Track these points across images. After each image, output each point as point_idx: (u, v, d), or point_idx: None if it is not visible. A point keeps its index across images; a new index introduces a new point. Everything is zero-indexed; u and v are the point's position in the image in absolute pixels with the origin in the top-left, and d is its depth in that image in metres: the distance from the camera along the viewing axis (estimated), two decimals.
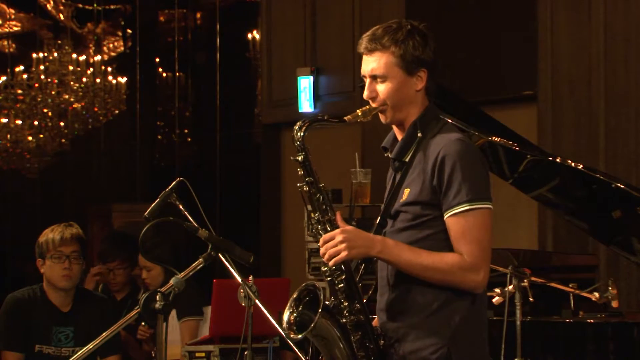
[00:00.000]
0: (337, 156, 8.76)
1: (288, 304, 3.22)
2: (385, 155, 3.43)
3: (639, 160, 7.33)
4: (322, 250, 3.20)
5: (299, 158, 3.26)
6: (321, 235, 3.22)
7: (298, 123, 3.28)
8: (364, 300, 3.30)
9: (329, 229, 3.23)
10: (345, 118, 3.31)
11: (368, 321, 3.25)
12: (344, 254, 3.17)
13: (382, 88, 3.29)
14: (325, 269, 3.22)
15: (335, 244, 3.17)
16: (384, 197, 3.44)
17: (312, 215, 3.26)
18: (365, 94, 3.33)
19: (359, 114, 3.30)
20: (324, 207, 3.24)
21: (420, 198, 3.23)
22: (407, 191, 3.27)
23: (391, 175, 3.43)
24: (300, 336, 3.15)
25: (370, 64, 3.30)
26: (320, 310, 3.12)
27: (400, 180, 3.31)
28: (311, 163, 3.26)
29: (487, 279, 3.22)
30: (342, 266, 3.22)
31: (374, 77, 3.31)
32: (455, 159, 3.19)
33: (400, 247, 3.20)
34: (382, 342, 3.25)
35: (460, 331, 3.21)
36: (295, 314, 3.21)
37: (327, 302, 3.18)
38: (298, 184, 3.27)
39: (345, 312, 3.22)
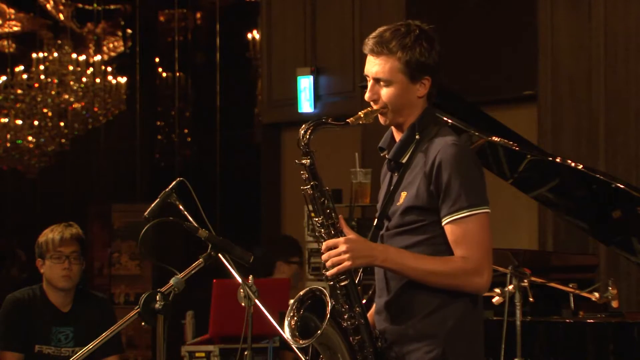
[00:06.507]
0: (337, 156, 8.75)
1: (290, 307, 3.20)
2: (382, 155, 3.42)
3: (639, 160, 7.33)
4: (324, 256, 3.19)
5: (305, 162, 3.24)
6: (324, 239, 3.22)
7: (303, 126, 3.26)
8: (364, 302, 3.30)
9: (332, 233, 3.22)
10: (347, 120, 3.30)
11: (367, 324, 3.25)
12: (347, 263, 3.16)
13: (384, 92, 3.29)
14: (328, 274, 3.22)
15: (338, 252, 3.17)
16: (378, 197, 3.44)
17: (316, 218, 3.25)
18: (367, 96, 3.32)
19: (361, 115, 3.30)
20: (328, 210, 3.24)
21: (417, 203, 3.23)
22: (404, 194, 3.27)
23: (385, 174, 3.43)
24: (305, 343, 3.14)
25: (375, 66, 3.28)
26: (327, 317, 3.11)
27: (397, 183, 3.31)
28: (316, 166, 3.25)
29: (491, 280, 3.22)
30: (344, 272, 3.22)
31: (377, 80, 3.30)
32: (453, 164, 3.18)
33: (403, 255, 3.20)
34: (379, 344, 3.25)
35: (456, 332, 3.21)
36: (296, 318, 3.20)
37: (334, 309, 3.16)
38: (302, 187, 3.25)
39: (345, 315, 3.22)
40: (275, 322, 3.66)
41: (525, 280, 4.71)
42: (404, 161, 3.30)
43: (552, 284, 5.01)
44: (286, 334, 3.18)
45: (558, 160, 5.09)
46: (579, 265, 6.10)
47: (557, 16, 7.77)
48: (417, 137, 3.29)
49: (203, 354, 5.92)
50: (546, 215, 7.70)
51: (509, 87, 8.28)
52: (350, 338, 3.21)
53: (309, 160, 3.24)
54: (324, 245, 3.20)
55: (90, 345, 3.48)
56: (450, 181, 3.18)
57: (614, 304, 4.99)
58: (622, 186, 4.84)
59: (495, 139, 4.95)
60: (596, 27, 7.53)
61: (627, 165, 7.34)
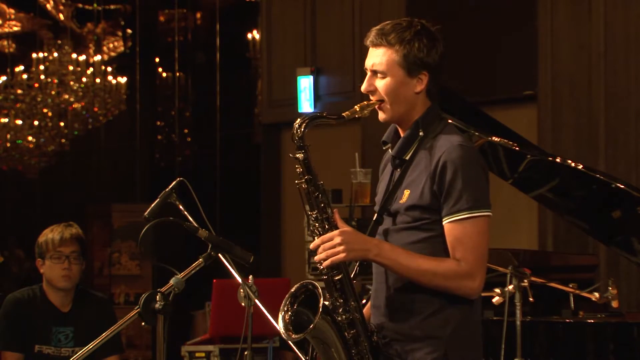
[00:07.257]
0: (337, 156, 8.76)
1: (283, 302, 3.20)
2: (385, 148, 3.42)
3: (639, 160, 7.33)
4: (319, 249, 3.19)
5: (299, 156, 3.25)
6: (318, 234, 3.22)
7: (297, 120, 3.28)
8: (363, 301, 3.30)
9: (327, 227, 3.22)
10: (343, 114, 3.31)
11: (362, 318, 3.25)
12: (341, 255, 3.16)
13: (380, 84, 3.29)
14: (322, 267, 3.22)
15: (333, 245, 3.16)
16: (377, 190, 3.43)
17: (310, 213, 3.25)
18: (363, 87, 3.33)
19: (357, 109, 3.30)
20: (322, 205, 3.24)
21: (420, 202, 3.22)
22: (407, 192, 3.26)
23: (385, 166, 3.43)
24: (298, 337, 3.14)
25: (373, 58, 3.30)
26: (319, 311, 3.11)
27: (400, 179, 3.30)
28: (310, 161, 3.26)
29: (483, 286, 3.22)
30: (339, 265, 3.22)
31: (374, 72, 3.30)
32: (457, 165, 3.18)
33: (396, 251, 3.20)
34: (375, 338, 3.25)
35: (458, 334, 3.21)
36: (290, 313, 3.20)
37: (326, 303, 3.16)
38: (296, 181, 3.26)
39: (340, 310, 3.22)
40: (275, 322, 3.66)
41: (525, 280, 4.70)
42: (407, 158, 3.30)
43: (552, 284, 5.01)
44: (280, 328, 3.18)
45: (558, 160, 5.09)
46: (579, 265, 6.10)
47: (557, 16, 7.78)
48: (420, 134, 3.29)
49: (203, 354, 5.92)
50: (546, 215, 7.70)
51: (509, 87, 8.28)
52: (345, 332, 3.21)
53: (303, 155, 3.24)
54: (319, 239, 3.20)
55: (90, 345, 3.48)
56: (454, 182, 3.17)
57: (614, 304, 4.99)
58: (622, 186, 4.84)
59: (495, 139, 4.95)
60: (596, 27, 7.53)
61: (627, 165, 7.34)
